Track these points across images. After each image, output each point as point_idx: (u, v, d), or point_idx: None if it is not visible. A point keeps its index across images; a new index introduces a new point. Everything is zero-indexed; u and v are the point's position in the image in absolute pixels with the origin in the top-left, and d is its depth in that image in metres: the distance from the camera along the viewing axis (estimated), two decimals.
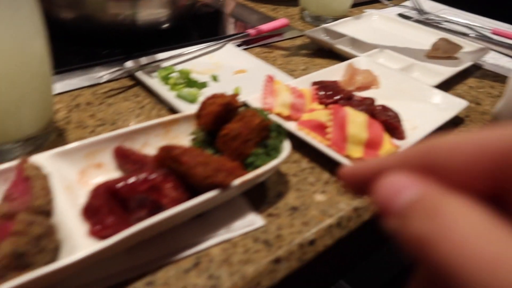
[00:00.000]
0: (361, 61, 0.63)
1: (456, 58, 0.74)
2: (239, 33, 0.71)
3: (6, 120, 0.37)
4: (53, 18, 0.62)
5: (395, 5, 1.02)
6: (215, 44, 0.65)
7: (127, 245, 0.30)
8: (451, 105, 0.54)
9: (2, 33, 0.34)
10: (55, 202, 0.31)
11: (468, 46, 0.75)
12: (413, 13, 0.96)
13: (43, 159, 0.35)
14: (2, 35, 0.34)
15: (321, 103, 0.52)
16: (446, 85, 0.64)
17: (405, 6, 1.00)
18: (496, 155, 0.14)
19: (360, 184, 0.17)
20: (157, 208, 0.33)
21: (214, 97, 0.41)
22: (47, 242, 0.27)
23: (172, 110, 0.51)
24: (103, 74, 0.54)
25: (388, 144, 0.45)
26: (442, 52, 0.74)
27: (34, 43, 0.38)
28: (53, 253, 0.28)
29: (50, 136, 0.43)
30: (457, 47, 0.74)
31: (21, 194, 0.31)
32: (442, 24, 0.91)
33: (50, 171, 0.33)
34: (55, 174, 0.34)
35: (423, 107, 0.55)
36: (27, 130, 0.39)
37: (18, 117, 0.38)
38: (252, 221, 0.36)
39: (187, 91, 0.52)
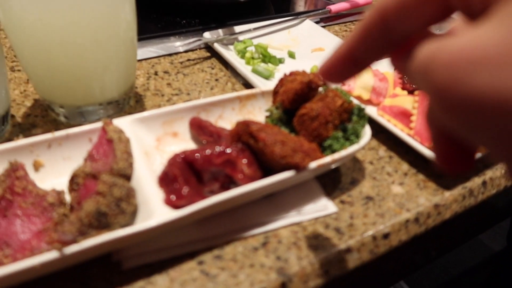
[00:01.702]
0: None
1: None
2: (319, 9, 0.68)
3: (92, 82, 0.39)
4: None
5: None
6: (294, 19, 0.63)
7: (200, 217, 0.30)
8: None
9: None
10: (135, 167, 0.32)
11: None
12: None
13: (124, 123, 0.36)
14: (95, 1, 0.35)
15: (404, 88, 0.48)
16: None
17: None
18: None
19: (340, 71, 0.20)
20: (230, 182, 0.33)
21: (294, 74, 0.39)
22: (126, 205, 0.28)
23: (247, 85, 0.50)
24: (181, 44, 0.55)
25: None
26: None
27: (124, 9, 0.38)
28: (131, 216, 0.28)
29: (130, 101, 0.45)
30: None
31: (103, 155, 0.32)
32: None
33: (131, 135, 0.34)
34: (135, 138, 0.35)
35: None
36: (110, 93, 0.41)
37: (103, 80, 0.39)
38: (324, 206, 0.35)
39: (263, 66, 0.51)
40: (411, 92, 0.47)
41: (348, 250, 0.32)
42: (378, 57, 0.19)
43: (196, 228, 0.31)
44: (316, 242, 0.32)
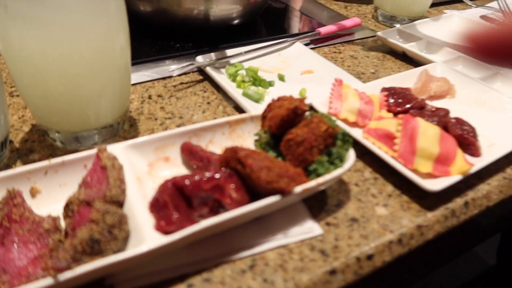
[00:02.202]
0: (437, 67, 0.60)
1: None
2: (309, 32, 0.70)
3: (88, 109, 0.40)
4: (131, 10, 0.66)
5: (479, 6, 0.95)
6: (284, 42, 0.65)
7: (190, 242, 0.31)
8: None
9: (92, 26, 0.37)
10: (127, 193, 0.33)
11: None
12: (498, 16, 0.88)
13: (118, 150, 0.37)
14: (92, 29, 0.37)
15: (390, 111, 0.50)
16: None
17: (490, 8, 0.93)
18: None
19: None
20: (219, 206, 0.34)
21: (281, 99, 0.41)
22: (118, 231, 0.29)
23: (238, 108, 0.52)
24: (175, 68, 0.57)
25: (461, 161, 0.42)
26: None
27: (119, 36, 0.40)
28: (123, 242, 0.30)
29: (124, 125, 0.46)
30: None
31: (97, 182, 0.33)
32: None
33: (124, 161, 0.36)
34: (128, 164, 0.36)
35: (504, 122, 0.51)
36: (105, 119, 0.42)
37: (98, 107, 0.41)
38: (310, 228, 0.36)
39: (253, 89, 0.53)
40: (396, 114, 0.49)
41: (333, 271, 0.33)
42: None
43: (186, 252, 0.33)
44: (301, 264, 0.33)
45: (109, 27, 0.38)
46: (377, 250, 0.35)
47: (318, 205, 0.39)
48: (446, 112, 0.49)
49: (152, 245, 0.28)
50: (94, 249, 0.28)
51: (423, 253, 0.41)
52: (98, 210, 0.28)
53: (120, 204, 0.32)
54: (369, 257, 0.35)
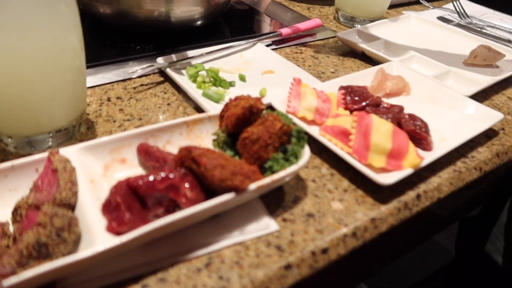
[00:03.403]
0: (393, 66, 0.62)
1: (496, 67, 0.71)
2: (270, 33, 0.71)
3: (40, 111, 0.39)
4: (90, 12, 0.65)
5: (436, 7, 0.99)
6: (246, 43, 0.66)
7: (143, 242, 0.31)
8: (486, 116, 0.52)
9: (41, 28, 0.36)
10: (79, 195, 0.33)
11: (511, 54, 0.71)
12: (454, 17, 0.92)
13: (71, 152, 0.36)
14: (41, 30, 0.36)
15: (347, 108, 0.51)
16: (483, 95, 0.61)
17: (446, 9, 0.97)
18: None
19: None
20: (174, 206, 0.34)
21: (238, 98, 0.42)
22: (68, 234, 0.29)
23: (198, 108, 0.52)
24: (135, 69, 0.56)
25: (413, 155, 0.44)
26: (481, 59, 0.71)
27: (70, 37, 0.39)
28: (73, 245, 0.29)
29: (81, 128, 0.45)
30: (499, 55, 0.71)
31: (48, 186, 0.33)
32: (485, 29, 0.87)
33: (77, 164, 0.35)
34: (82, 167, 0.35)
35: (455, 117, 0.53)
36: (59, 122, 0.41)
37: (51, 109, 0.40)
38: (266, 225, 0.36)
39: (213, 90, 0.53)
40: (352, 112, 0.50)
41: (288, 266, 0.34)
42: None
43: (141, 252, 0.33)
44: (257, 260, 0.34)
45: (60, 28, 0.38)
46: (332, 244, 0.36)
47: (275, 201, 0.39)
48: (401, 108, 0.51)
49: (101, 247, 0.28)
50: (41, 252, 0.27)
51: (378, 246, 0.42)
52: (45, 213, 0.28)
53: (71, 206, 0.31)
54: (324, 251, 0.36)
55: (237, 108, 0.40)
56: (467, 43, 0.76)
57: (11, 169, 0.35)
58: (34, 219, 0.29)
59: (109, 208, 0.32)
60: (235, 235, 0.35)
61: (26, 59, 0.36)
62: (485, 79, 0.63)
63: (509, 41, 0.81)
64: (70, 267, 0.27)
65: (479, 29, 0.87)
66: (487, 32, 0.86)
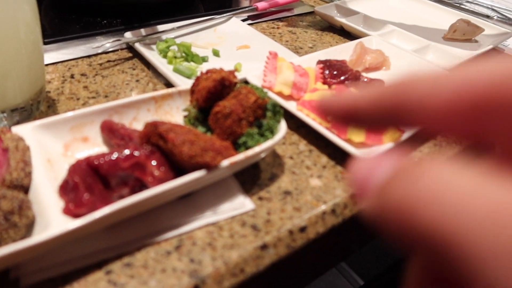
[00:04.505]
0: (373, 40, 0.60)
1: (475, 41, 0.70)
2: (246, 7, 0.68)
3: None
4: None
5: None
6: (220, 18, 0.63)
7: (104, 225, 0.28)
8: None
9: None
10: (34, 176, 0.30)
11: (490, 29, 0.70)
12: None
13: (25, 130, 0.33)
14: None
15: (325, 83, 0.49)
16: None
17: None
18: (479, 94, 0.12)
19: (334, 114, 0.16)
20: (141, 186, 0.32)
21: (210, 72, 0.39)
22: (18, 218, 0.26)
23: (169, 85, 0.49)
24: (101, 44, 0.52)
25: (393, 129, 0.42)
26: (460, 34, 0.70)
27: (23, 11, 0.36)
28: (26, 229, 0.27)
29: (40, 106, 0.42)
30: (478, 29, 0.70)
31: None
32: (463, 4, 0.86)
33: (32, 143, 0.32)
34: (37, 146, 0.32)
35: None
36: (13, 99, 0.38)
37: (3, 87, 0.37)
38: (241, 204, 0.34)
39: (185, 65, 0.50)
40: (331, 87, 0.48)
41: (264, 246, 0.32)
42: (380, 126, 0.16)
43: (104, 236, 0.30)
44: (231, 241, 0.32)
45: (9, 1, 0.34)
46: (310, 221, 0.34)
47: (251, 179, 0.37)
48: (381, 83, 0.49)
49: (56, 230, 0.25)
50: None
51: (358, 223, 0.41)
52: None
53: (24, 188, 0.28)
54: (302, 229, 0.34)
55: (208, 81, 0.37)
56: (446, 18, 0.74)
57: None
58: None
59: (66, 189, 0.29)
60: (207, 215, 0.33)
61: None
62: (464, 53, 0.62)
63: (487, 16, 0.80)
64: (22, 253, 0.24)
65: (458, 5, 0.86)
66: (466, 7, 0.85)
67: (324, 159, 0.41)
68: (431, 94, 0.13)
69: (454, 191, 0.10)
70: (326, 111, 0.16)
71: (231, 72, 0.38)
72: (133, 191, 0.31)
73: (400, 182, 0.11)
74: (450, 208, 0.10)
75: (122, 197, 0.31)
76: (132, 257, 0.30)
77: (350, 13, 0.70)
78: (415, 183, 0.11)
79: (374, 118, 0.15)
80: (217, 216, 0.33)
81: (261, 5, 0.68)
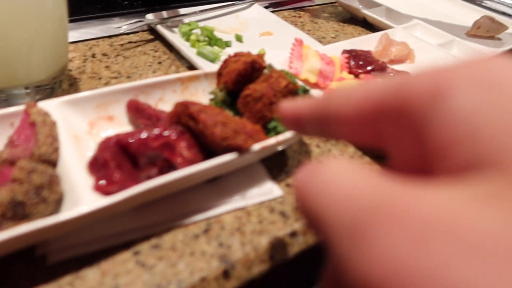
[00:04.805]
0: (397, 32, 0.59)
1: (498, 39, 0.69)
2: None
3: (16, 63, 0.35)
4: None
5: None
6: (242, 3, 0.61)
7: (134, 204, 0.28)
8: None
9: None
10: (61, 152, 0.29)
11: None
12: None
13: (51, 106, 0.32)
14: None
15: (351, 72, 0.48)
16: None
17: None
18: (374, 106, 0.14)
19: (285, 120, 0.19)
20: (169, 167, 0.31)
21: (238, 55, 0.38)
22: (48, 193, 0.25)
23: (192, 68, 0.48)
24: (122, 25, 0.51)
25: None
26: (484, 31, 0.68)
27: None
28: (55, 205, 0.26)
29: (62, 84, 0.41)
30: (502, 27, 0.68)
31: (25, 141, 0.29)
32: (484, 2, 0.85)
33: (59, 119, 0.31)
34: (64, 122, 0.32)
35: None
36: (37, 75, 0.37)
37: (28, 61, 0.36)
38: (269, 190, 0.33)
39: (209, 49, 0.49)
40: (357, 76, 0.47)
41: (293, 234, 0.31)
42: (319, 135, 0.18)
43: (132, 216, 0.29)
44: (260, 227, 0.31)
45: None
46: None
47: (278, 166, 0.36)
48: (407, 75, 0.48)
49: (88, 207, 0.24)
50: (17, 212, 0.23)
51: None
52: (21, 168, 0.24)
53: (52, 163, 0.27)
54: None
55: (237, 63, 0.36)
56: (468, 15, 0.73)
57: None
58: (8, 175, 0.25)
59: (96, 165, 0.28)
60: (236, 199, 0.32)
61: (1, 4, 0.32)
62: (487, 50, 0.61)
63: (509, 15, 0.79)
64: (52, 229, 0.24)
65: (479, 2, 0.84)
66: (488, 6, 0.83)
67: (351, 149, 0.40)
68: (344, 103, 0.15)
69: (333, 181, 0.12)
70: (281, 116, 0.19)
71: (260, 56, 0.37)
72: (161, 171, 0.30)
73: (304, 176, 0.13)
74: (322, 194, 0.12)
75: (150, 177, 0.30)
76: (160, 239, 0.29)
77: (372, 5, 0.69)
78: (312, 177, 0.13)
79: (313, 127, 0.17)
80: (246, 201, 0.32)
81: None
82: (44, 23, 0.36)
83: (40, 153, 0.27)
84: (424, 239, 0.09)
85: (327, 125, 0.16)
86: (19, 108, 0.32)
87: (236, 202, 0.32)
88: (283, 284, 0.35)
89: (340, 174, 0.12)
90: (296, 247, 0.31)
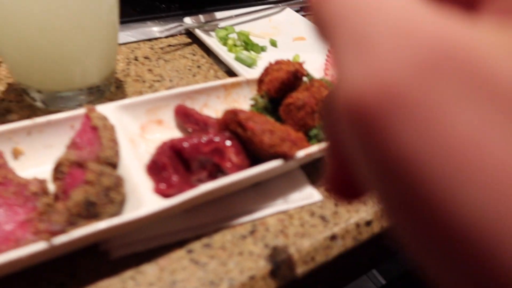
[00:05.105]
0: None
1: None
2: None
3: (73, 66, 0.37)
4: None
5: None
6: (274, 7, 0.63)
7: (190, 206, 0.30)
8: None
9: None
10: (121, 155, 0.31)
11: None
12: None
13: (108, 110, 0.35)
14: None
15: None
16: None
17: None
18: None
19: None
20: (217, 171, 0.33)
21: (279, 63, 0.40)
22: (115, 194, 0.27)
23: (229, 72, 0.50)
24: (162, 29, 0.53)
25: None
26: None
27: None
28: (120, 206, 0.28)
29: (111, 87, 0.43)
30: None
31: (88, 143, 0.31)
32: None
33: (115, 122, 0.33)
34: (120, 126, 0.34)
35: None
36: (91, 78, 0.39)
37: (84, 65, 0.38)
38: (309, 194, 0.35)
39: (246, 54, 0.51)
40: None
41: (333, 237, 0.33)
42: None
43: (184, 217, 0.31)
44: (302, 230, 0.33)
45: None
46: (375, 216, 0.35)
47: (316, 172, 0.38)
48: None
49: (152, 208, 0.27)
50: (89, 212, 0.26)
51: None
52: (93, 171, 0.26)
53: (114, 166, 0.30)
54: (368, 223, 0.35)
55: (280, 72, 0.38)
56: None
57: (46, 125, 0.33)
58: (79, 177, 0.28)
59: (154, 169, 0.30)
60: (278, 203, 0.34)
61: (60, 10, 0.34)
62: None
63: None
64: (120, 227, 0.26)
65: None
66: None
67: None
68: None
69: None
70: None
71: (300, 65, 0.39)
72: (211, 175, 0.32)
73: None
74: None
75: (200, 180, 0.32)
76: (211, 239, 0.31)
77: None
78: None
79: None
80: (288, 204, 0.34)
81: None
82: (99, 28, 0.38)
83: (105, 156, 0.29)
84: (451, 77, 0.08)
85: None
86: (79, 112, 0.34)
87: (279, 206, 0.34)
88: (321, 284, 0.37)
89: None
90: (335, 249, 0.33)
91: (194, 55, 0.52)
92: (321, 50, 0.52)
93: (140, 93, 0.44)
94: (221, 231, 0.32)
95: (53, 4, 0.33)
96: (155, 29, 0.55)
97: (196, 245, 0.30)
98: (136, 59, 0.50)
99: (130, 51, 0.51)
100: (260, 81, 0.40)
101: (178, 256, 0.29)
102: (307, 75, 0.39)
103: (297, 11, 0.66)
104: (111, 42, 0.40)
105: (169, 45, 0.53)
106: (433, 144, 0.08)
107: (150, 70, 0.48)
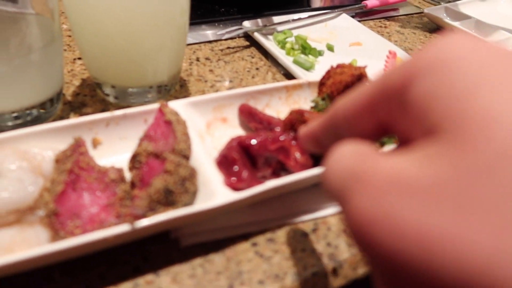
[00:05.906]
0: None
1: None
2: (355, 4, 0.68)
3: (146, 64, 0.40)
4: None
5: None
6: (331, 13, 0.63)
7: (257, 200, 0.31)
8: None
9: None
10: (192, 148, 0.33)
11: None
12: None
13: (178, 106, 0.36)
14: None
15: None
16: None
17: None
18: (368, 99, 0.17)
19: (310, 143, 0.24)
20: (281, 169, 0.34)
21: (341, 66, 0.40)
22: (190, 184, 0.29)
23: (287, 75, 0.51)
24: (220, 31, 0.55)
25: None
26: None
27: None
28: (193, 196, 0.29)
29: (176, 85, 0.46)
30: None
31: (162, 136, 0.33)
32: None
33: (185, 118, 0.35)
34: (189, 121, 0.35)
35: None
36: (161, 76, 0.41)
37: (157, 64, 0.40)
38: None
39: (303, 57, 0.51)
40: None
41: None
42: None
43: (249, 211, 0.32)
44: None
45: None
46: None
47: None
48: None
49: (224, 200, 0.28)
50: (167, 199, 0.27)
51: None
52: (172, 161, 0.28)
53: (187, 158, 0.31)
54: None
55: (343, 75, 0.38)
56: None
57: (123, 118, 0.35)
58: (156, 166, 0.29)
59: (224, 163, 0.32)
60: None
61: (139, 12, 0.36)
62: None
63: None
64: (194, 216, 0.27)
65: None
66: None
67: None
68: (347, 106, 0.19)
69: (338, 152, 0.17)
70: (301, 141, 0.24)
71: (363, 69, 0.39)
72: (275, 172, 0.33)
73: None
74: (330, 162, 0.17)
75: (265, 177, 0.33)
76: (274, 234, 0.32)
77: (460, 17, 0.68)
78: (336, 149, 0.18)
79: (328, 137, 0.21)
80: None
81: (371, 2, 0.68)
82: (173, 29, 0.40)
83: (179, 148, 0.30)
84: (379, 192, 0.13)
85: (338, 129, 0.20)
86: (152, 106, 0.36)
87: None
88: None
89: (344, 147, 0.17)
90: None
91: (252, 57, 0.54)
92: (378, 56, 0.52)
93: (203, 92, 0.46)
94: (284, 227, 0.32)
95: (133, 4, 0.36)
96: (214, 32, 0.57)
97: (260, 239, 0.31)
98: (197, 59, 0.52)
99: (192, 52, 0.53)
100: (321, 84, 0.41)
101: (243, 248, 0.30)
102: (369, 80, 0.39)
103: (352, 16, 0.66)
104: (180, 43, 0.42)
105: (228, 47, 0.55)
106: None
107: (211, 71, 0.50)
